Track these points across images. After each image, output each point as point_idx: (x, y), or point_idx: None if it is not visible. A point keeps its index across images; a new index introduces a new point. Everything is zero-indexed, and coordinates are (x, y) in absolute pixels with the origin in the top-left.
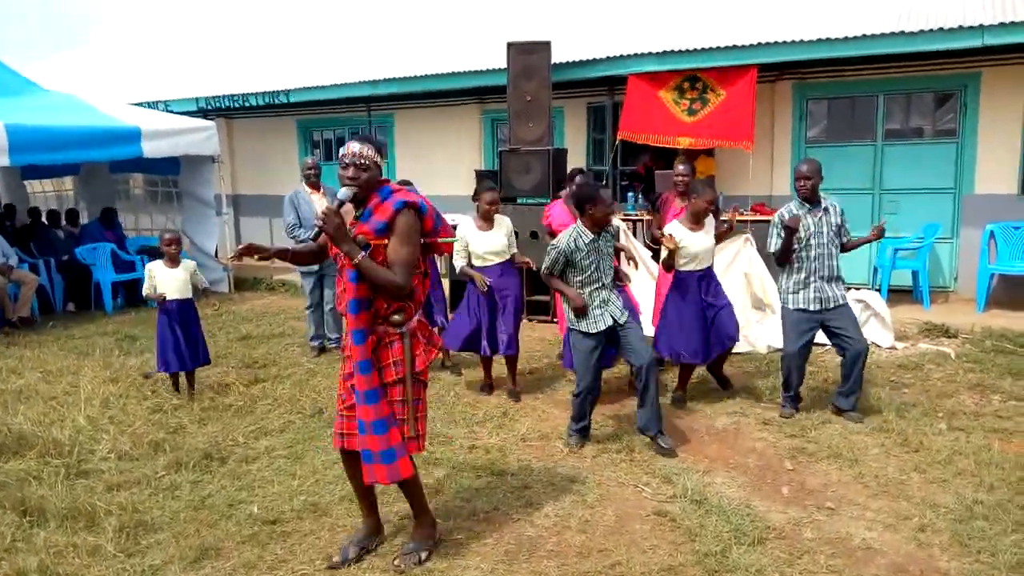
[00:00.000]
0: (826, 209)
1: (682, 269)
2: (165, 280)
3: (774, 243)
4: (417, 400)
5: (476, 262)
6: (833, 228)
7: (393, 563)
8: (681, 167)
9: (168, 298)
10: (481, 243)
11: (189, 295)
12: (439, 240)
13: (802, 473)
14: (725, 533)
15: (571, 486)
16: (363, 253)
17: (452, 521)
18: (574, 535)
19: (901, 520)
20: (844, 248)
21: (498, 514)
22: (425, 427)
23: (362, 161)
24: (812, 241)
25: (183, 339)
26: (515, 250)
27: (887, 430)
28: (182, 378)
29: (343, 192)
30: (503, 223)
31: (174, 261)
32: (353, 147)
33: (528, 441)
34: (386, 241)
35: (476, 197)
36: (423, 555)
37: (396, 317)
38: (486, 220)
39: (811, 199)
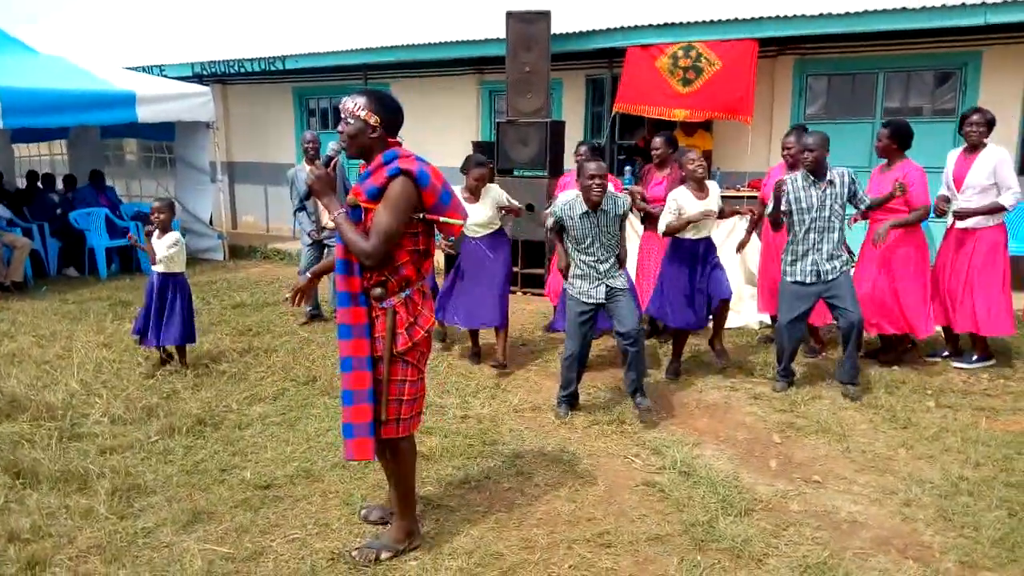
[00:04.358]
0: (831, 182)
1: (683, 236)
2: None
3: (770, 206)
4: (403, 382)
5: (466, 232)
6: (839, 201)
7: (352, 550)
8: (657, 140)
9: (154, 270)
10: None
11: (174, 268)
12: (441, 219)
13: (790, 447)
14: (713, 504)
15: (562, 456)
16: (341, 209)
17: (443, 489)
18: (564, 504)
19: (887, 495)
20: (865, 214)
21: (489, 483)
22: (409, 411)
23: (346, 115)
24: (812, 215)
25: (161, 314)
26: (501, 222)
27: (876, 406)
28: (171, 351)
29: (330, 146)
30: (489, 195)
31: (163, 230)
32: (344, 101)
33: (520, 412)
34: (375, 206)
35: (465, 170)
36: (382, 554)
37: (376, 291)
38: (472, 193)
39: (815, 172)
